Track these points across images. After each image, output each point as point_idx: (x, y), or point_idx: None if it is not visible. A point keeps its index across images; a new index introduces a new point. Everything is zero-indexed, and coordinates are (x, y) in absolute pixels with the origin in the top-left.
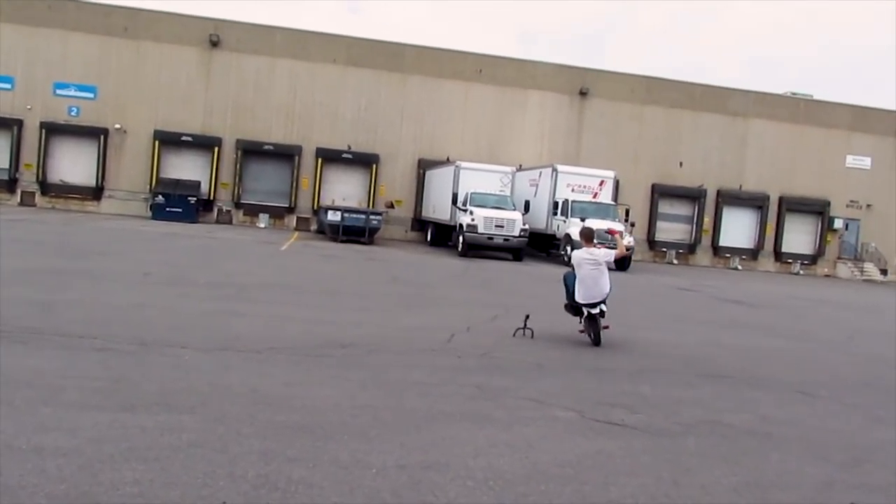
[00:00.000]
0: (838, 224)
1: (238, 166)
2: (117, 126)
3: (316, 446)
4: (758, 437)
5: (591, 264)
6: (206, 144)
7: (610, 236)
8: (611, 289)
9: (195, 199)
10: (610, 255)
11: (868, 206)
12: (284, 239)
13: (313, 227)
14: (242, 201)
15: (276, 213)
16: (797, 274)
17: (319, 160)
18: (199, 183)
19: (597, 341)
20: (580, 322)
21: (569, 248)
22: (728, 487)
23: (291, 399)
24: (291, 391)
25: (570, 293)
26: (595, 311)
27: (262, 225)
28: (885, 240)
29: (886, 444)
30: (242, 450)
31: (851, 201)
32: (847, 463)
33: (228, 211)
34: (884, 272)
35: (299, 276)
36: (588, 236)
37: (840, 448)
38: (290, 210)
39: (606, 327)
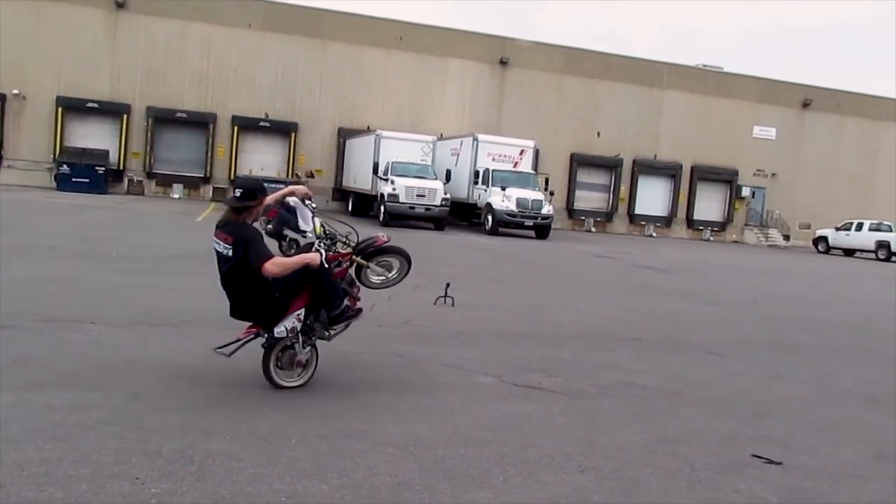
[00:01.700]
0: (745, 192)
1: (149, 135)
2: (15, 91)
3: (235, 418)
4: (669, 396)
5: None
6: (113, 111)
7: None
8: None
9: (103, 168)
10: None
11: (773, 174)
12: (200, 210)
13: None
14: (155, 171)
15: (192, 184)
16: (708, 240)
17: (236, 128)
18: (107, 152)
19: (290, 248)
20: (280, 244)
21: (490, 217)
22: (640, 444)
23: (209, 373)
24: (209, 364)
25: (290, 225)
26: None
27: (177, 196)
28: (789, 207)
29: (786, 400)
30: (158, 425)
31: (758, 170)
32: (749, 418)
33: (140, 181)
34: (787, 238)
35: None
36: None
37: (744, 404)
38: (206, 180)
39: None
